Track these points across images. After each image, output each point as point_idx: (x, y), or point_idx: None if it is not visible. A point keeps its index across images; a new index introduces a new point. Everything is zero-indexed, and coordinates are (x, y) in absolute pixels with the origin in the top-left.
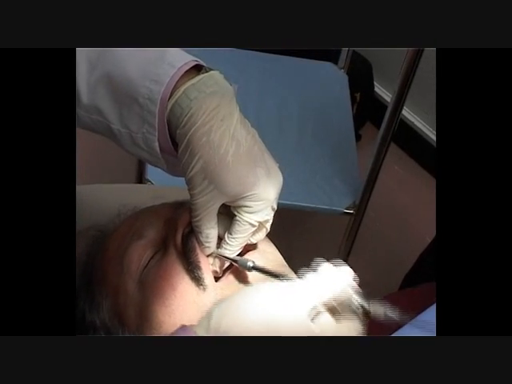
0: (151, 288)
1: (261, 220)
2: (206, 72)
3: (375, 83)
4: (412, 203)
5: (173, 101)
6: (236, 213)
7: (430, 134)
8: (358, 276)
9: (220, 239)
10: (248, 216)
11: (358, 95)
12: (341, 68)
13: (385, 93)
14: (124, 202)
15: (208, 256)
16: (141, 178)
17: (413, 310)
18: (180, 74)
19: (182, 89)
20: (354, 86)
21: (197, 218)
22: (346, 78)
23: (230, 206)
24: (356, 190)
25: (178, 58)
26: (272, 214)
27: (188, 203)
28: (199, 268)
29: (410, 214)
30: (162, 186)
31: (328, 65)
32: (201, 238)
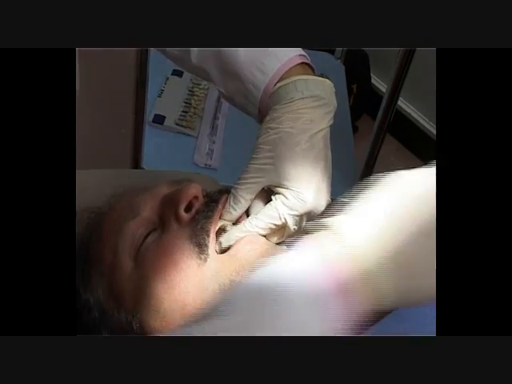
0: (150, 265)
1: (286, 217)
2: (322, 76)
3: (372, 75)
4: None
5: (281, 84)
6: (273, 198)
7: (427, 124)
8: None
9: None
10: (280, 206)
11: (354, 87)
12: (337, 58)
13: (382, 84)
14: (120, 184)
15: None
16: (136, 167)
17: None
18: (284, 70)
19: (294, 78)
20: (350, 77)
21: (242, 181)
22: (342, 69)
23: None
24: (353, 179)
25: (285, 50)
26: (292, 226)
27: (185, 180)
28: (208, 234)
29: None
30: (157, 170)
31: (325, 55)
32: (231, 201)
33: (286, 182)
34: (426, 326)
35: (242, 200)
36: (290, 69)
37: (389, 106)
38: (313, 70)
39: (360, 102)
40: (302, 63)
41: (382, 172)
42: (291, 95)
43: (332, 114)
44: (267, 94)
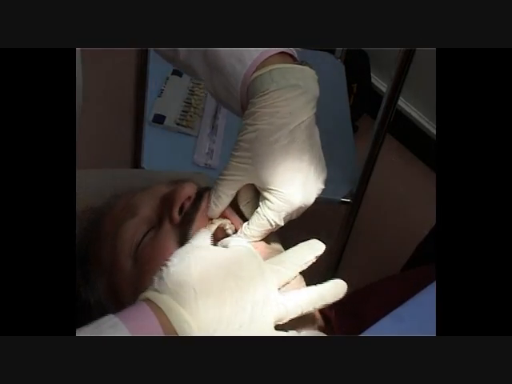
0: (146, 264)
1: (276, 221)
2: (301, 64)
3: (372, 74)
4: (408, 193)
5: (256, 74)
6: (260, 204)
7: (427, 124)
8: (356, 266)
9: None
10: (268, 212)
11: (354, 86)
12: (338, 58)
13: (382, 84)
14: (120, 184)
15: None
16: (136, 167)
17: (407, 294)
18: (263, 58)
19: (270, 68)
20: (350, 76)
21: (221, 177)
22: (342, 68)
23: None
24: (353, 179)
25: None
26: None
27: (183, 180)
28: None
29: (406, 204)
30: (157, 170)
31: (325, 55)
32: (213, 197)
33: (268, 184)
34: (426, 325)
35: (222, 196)
36: (268, 58)
37: (389, 105)
38: (294, 59)
39: (360, 101)
40: (282, 53)
41: (382, 172)
42: (266, 86)
43: (314, 103)
44: (245, 86)
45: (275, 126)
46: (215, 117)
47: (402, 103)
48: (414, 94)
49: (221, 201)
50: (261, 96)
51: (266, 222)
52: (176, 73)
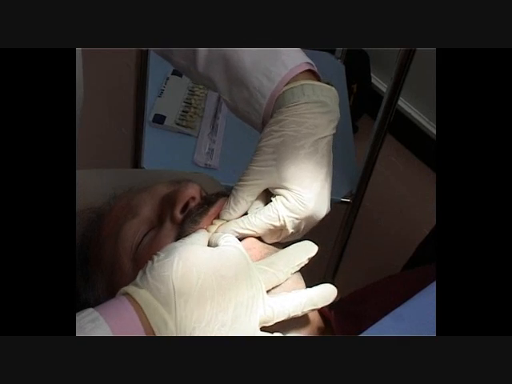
0: (145, 264)
1: (286, 220)
2: (326, 83)
3: (372, 75)
4: (408, 194)
5: (287, 87)
6: (273, 198)
7: (427, 125)
8: (356, 266)
9: None
10: (281, 207)
11: (354, 86)
12: (337, 58)
13: (382, 84)
14: (119, 184)
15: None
16: (136, 167)
17: (407, 294)
18: (291, 76)
19: (301, 83)
20: (350, 77)
21: (241, 183)
22: (342, 69)
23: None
24: (353, 179)
25: (292, 58)
26: (290, 229)
27: (186, 180)
28: None
29: (406, 204)
30: (157, 169)
31: (325, 55)
32: (231, 202)
33: (287, 183)
34: (425, 326)
35: (242, 201)
36: (297, 75)
37: (389, 105)
38: (318, 77)
39: (360, 101)
40: (309, 70)
41: (382, 172)
42: (297, 98)
43: (336, 123)
44: (273, 101)
45: (301, 134)
46: (215, 117)
47: (402, 103)
48: (414, 94)
49: (239, 206)
50: (291, 106)
51: (275, 215)
52: (176, 73)
